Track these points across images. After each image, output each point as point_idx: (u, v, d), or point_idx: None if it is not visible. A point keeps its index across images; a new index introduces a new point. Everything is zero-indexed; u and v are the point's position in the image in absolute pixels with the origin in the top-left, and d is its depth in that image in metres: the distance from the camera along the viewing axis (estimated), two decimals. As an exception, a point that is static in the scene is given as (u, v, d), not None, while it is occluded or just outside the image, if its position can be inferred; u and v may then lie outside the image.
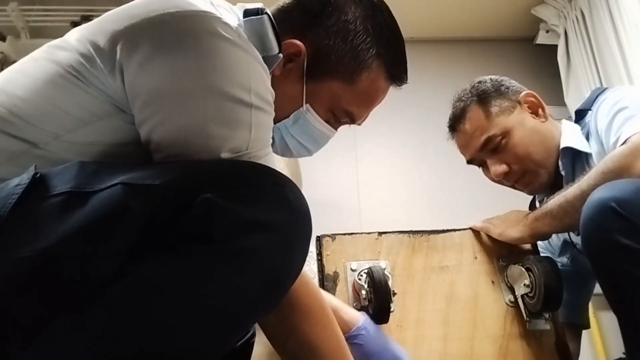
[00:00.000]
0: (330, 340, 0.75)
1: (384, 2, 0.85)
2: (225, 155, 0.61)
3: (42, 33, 2.36)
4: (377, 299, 0.94)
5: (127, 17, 0.64)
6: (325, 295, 0.95)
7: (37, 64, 0.65)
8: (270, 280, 0.57)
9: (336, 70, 0.80)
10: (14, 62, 0.69)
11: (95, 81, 0.62)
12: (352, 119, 0.86)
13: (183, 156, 0.61)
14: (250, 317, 0.61)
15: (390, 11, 0.85)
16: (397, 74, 0.85)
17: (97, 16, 0.68)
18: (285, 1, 0.83)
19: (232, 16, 0.73)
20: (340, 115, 0.85)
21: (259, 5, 0.76)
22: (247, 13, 0.74)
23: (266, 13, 0.74)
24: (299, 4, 0.82)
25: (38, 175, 0.55)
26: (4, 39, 2.31)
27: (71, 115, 0.62)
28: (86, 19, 2.27)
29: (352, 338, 0.89)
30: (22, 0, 2.31)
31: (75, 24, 2.28)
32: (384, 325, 0.98)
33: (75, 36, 0.66)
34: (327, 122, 0.85)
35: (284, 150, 0.88)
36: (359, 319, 0.92)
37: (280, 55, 0.75)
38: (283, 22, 0.78)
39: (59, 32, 0.68)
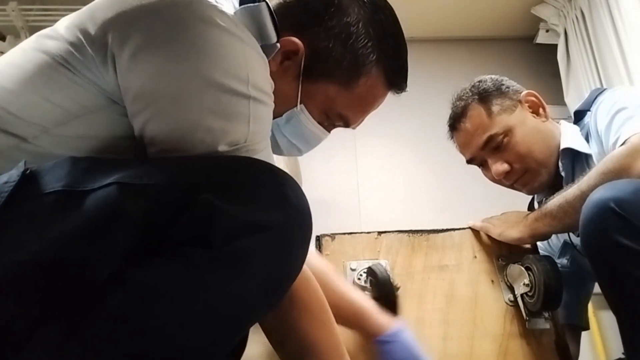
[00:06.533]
0: (328, 339, 0.75)
1: (390, 6, 0.82)
2: (222, 148, 0.60)
3: (41, 32, 2.36)
4: (383, 295, 0.93)
5: (118, 3, 0.61)
6: (360, 296, 0.92)
7: (26, 54, 0.63)
8: (270, 282, 0.56)
9: (333, 74, 0.77)
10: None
11: (86, 71, 0.60)
12: (347, 123, 0.84)
13: (178, 150, 0.59)
14: (251, 318, 0.60)
15: (395, 16, 0.82)
16: (397, 82, 0.83)
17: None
18: None
19: (228, 3, 0.70)
20: (334, 118, 0.82)
21: None
22: (243, 0, 0.72)
23: (264, 1, 0.72)
24: (302, 2, 0.79)
25: (28, 171, 0.53)
26: (3, 39, 2.30)
27: (61, 108, 0.60)
28: (86, 18, 2.26)
29: (381, 343, 0.88)
30: (22, 0, 2.31)
31: (75, 24, 2.28)
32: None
33: (64, 24, 0.63)
34: (320, 124, 0.82)
35: (274, 147, 0.85)
36: (391, 324, 0.90)
37: (278, 45, 0.72)
38: (283, 18, 0.75)
39: (59, 32, 0.67)
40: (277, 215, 0.56)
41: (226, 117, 0.60)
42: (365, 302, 0.92)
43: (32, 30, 2.35)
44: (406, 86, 0.84)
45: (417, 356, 0.89)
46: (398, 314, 0.94)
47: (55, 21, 0.66)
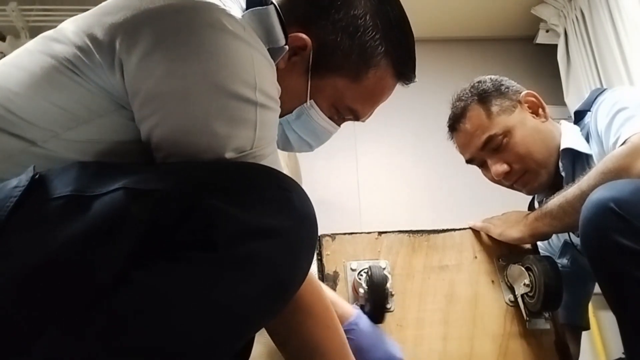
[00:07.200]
0: (332, 341, 0.75)
1: None
2: (229, 154, 0.60)
3: (41, 33, 2.35)
4: (373, 299, 0.93)
5: (126, 8, 0.61)
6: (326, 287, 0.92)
7: (33, 57, 0.63)
8: (276, 287, 0.56)
9: (342, 67, 0.77)
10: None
11: (94, 76, 0.60)
12: (356, 116, 0.84)
13: (185, 155, 0.59)
14: (256, 323, 0.60)
15: (401, 6, 0.81)
16: (405, 73, 0.82)
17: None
18: None
19: (236, 6, 0.70)
20: (344, 112, 0.82)
21: None
22: (250, 3, 0.71)
23: (272, 3, 0.71)
24: None
25: (37, 176, 0.53)
26: (3, 39, 2.30)
27: (69, 112, 0.60)
28: (86, 18, 2.25)
29: (347, 331, 0.87)
30: (22, 0, 2.31)
31: (75, 24, 2.28)
32: (383, 325, 0.98)
33: (71, 28, 0.63)
34: (330, 118, 0.82)
35: (285, 144, 0.86)
36: (352, 313, 0.90)
37: (286, 47, 0.72)
38: (289, 12, 0.74)
39: (59, 32, 0.67)
40: (282, 221, 0.55)
41: (233, 122, 0.60)
42: (330, 292, 0.91)
43: (32, 30, 2.35)
44: (415, 76, 0.84)
45: (381, 339, 0.90)
46: (381, 321, 0.95)
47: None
